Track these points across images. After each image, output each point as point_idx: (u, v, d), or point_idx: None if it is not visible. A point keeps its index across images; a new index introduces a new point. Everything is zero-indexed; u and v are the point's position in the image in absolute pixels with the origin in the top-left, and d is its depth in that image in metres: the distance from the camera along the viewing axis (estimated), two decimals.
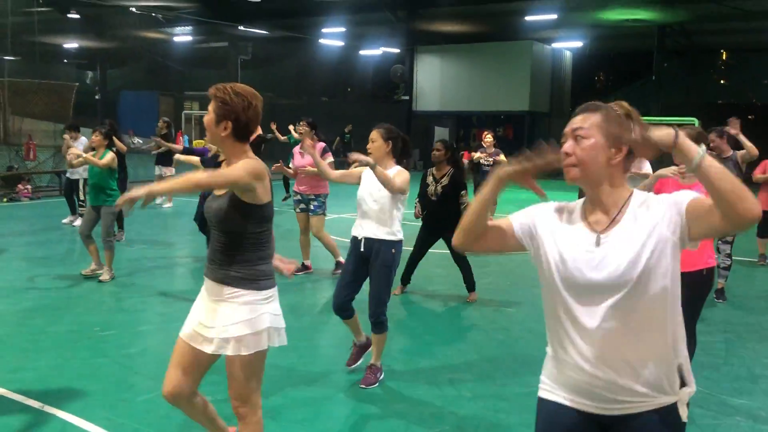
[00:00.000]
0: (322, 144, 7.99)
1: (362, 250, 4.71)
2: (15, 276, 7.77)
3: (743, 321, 6.75)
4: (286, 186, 14.59)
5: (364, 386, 4.72)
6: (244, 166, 2.83)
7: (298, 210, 8.12)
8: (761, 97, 28.26)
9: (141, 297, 7.07)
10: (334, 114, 26.47)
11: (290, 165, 8.18)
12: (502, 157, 12.64)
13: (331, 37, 28.92)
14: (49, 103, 17.28)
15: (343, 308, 4.81)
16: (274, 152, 14.74)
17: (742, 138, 7.89)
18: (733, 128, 7.99)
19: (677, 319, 2.01)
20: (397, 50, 29.27)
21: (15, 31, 20.69)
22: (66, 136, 10.30)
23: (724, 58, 30.11)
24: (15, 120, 18.55)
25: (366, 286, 4.83)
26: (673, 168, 4.42)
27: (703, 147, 1.81)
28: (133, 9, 24.29)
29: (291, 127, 12.17)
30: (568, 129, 2.04)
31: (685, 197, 1.92)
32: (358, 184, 4.85)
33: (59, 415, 4.11)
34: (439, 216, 7.01)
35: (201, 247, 9.22)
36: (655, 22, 24.01)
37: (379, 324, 4.72)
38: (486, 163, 12.48)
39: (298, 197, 8.08)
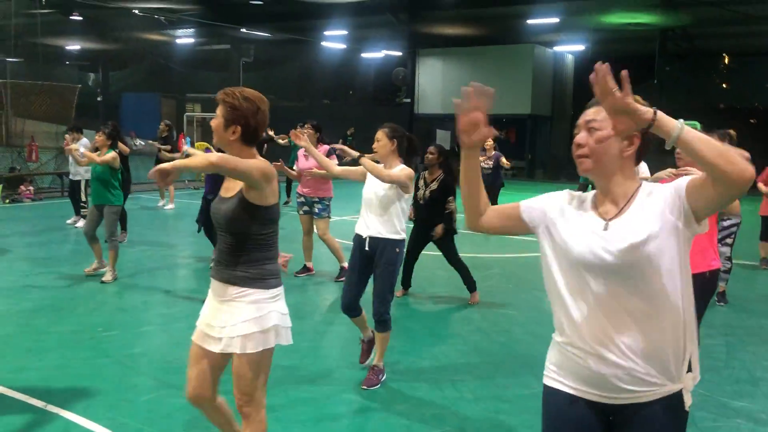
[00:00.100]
0: (326, 146, 8.02)
1: (367, 249, 4.74)
2: (18, 276, 7.79)
3: (744, 324, 6.76)
4: (288, 190, 14.61)
5: (366, 387, 4.73)
6: (256, 164, 2.87)
7: (301, 212, 8.13)
8: (763, 101, 28.29)
9: (143, 298, 7.09)
10: (336, 117, 26.48)
11: (294, 167, 8.20)
12: (504, 159, 12.73)
13: (333, 39, 28.97)
14: (52, 105, 17.32)
15: (351, 307, 4.86)
16: (275, 153, 14.76)
17: None
18: None
19: (689, 305, 2.01)
20: (399, 53, 29.32)
21: (18, 33, 20.73)
22: (67, 136, 10.32)
23: (725, 61, 30.11)
24: (17, 121, 18.59)
25: (370, 284, 4.87)
26: (670, 170, 4.44)
27: (681, 121, 1.82)
28: (136, 11, 24.34)
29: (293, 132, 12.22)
30: (581, 121, 2.06)
31: (683, 181, 1.95)
32: (362, 181, 4.89)
33: (62, 414, 4.13)
34: (427, 220, 7.05)
35: (202, 248, 9.25)
36: (657, 26, 24.03)
37: (382, 323, 4.74)
38: (486, 166, 12.56)
39: (302, 199, 8.08)
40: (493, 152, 12.63)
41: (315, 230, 8.11)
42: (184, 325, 6.16)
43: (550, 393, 2.16)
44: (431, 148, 7.19)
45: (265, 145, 8.36)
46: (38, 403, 4.27)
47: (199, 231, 8.63)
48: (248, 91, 2.98)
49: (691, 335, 2.02)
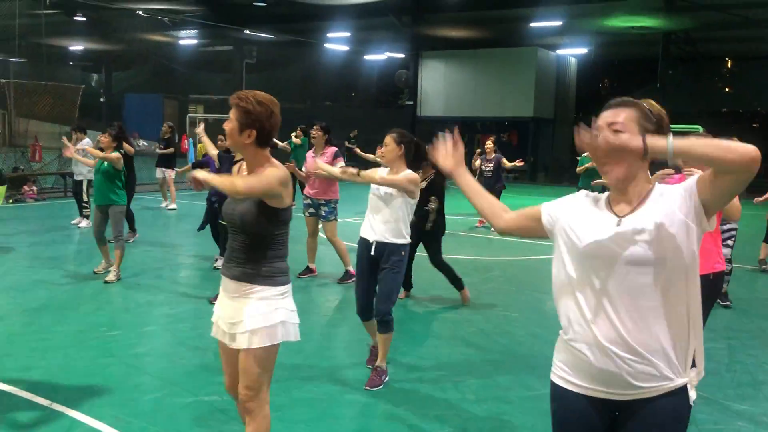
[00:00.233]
0: (334, 148, 8.02)
1: (373, 253, 4.79)
2: (21, 276, 7.82)
3: (746, 327, 6.77)
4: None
5: (368, 388, 4.75)
6: (274, 175, 2.93)
7: (307, 214, 8.13)
8: (765, 105, 28.29)
9: (147, 297, 7.11)
10: (338, 119, 26.51)
11: (303, 168, 8.22)
12: (505, 161, 12.79)
13: (336, 41, 29.02)
14: (55, 105, 17.38)
15: (367, 309, 4.91)
16: (276, 156, 14.79)
17: None
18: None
19: (695, 301, 2.06)
20: (401, 55, 29.36)
21: (22, 33, 20.80)
22: (64, 138, 10.37)
23: (728, 65, 30.15)
24: (21, 121, 18.66)
25: None
26: (659, 172, 4.50)
27: (669, 135, 1.90)
28: (140, 12, 24.39)
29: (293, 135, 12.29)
30: (602, 122, 2.09)
31: (691, 180, 2.01)
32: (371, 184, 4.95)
33: (67, 412, 4.15)
34: (416, 220, 7.06)
35: (206, 248, 9.28)
36: (660, 30, 24.07)
37: (385, 323, 4.77)
38: (486, 168, 12.62)
39: (308, 201, 8.08)
40: (494, 155, 12.66)
41: (322, 233, 8.12)
42: (187, 325, 6.19)
43: (557, 390, 2.20)
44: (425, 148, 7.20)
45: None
46: (43, 402, 4.29)
47: (199, 230, 8.67)
48: (261, 94, 3.02)
49: (695, 331, 2.07)
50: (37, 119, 18.51)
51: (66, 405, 4.25)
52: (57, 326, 5.99)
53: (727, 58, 30.22)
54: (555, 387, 2.21)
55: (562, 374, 2.18)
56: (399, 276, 4.81)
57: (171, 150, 13.99)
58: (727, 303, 7.43)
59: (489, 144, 12.77)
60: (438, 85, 28.63)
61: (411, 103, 28.94)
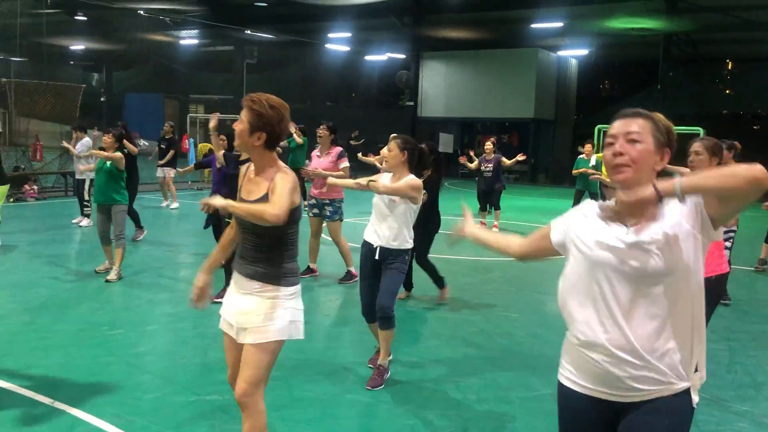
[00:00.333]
0: (339, 148, 8.01)
1: (377, 257, 4.83)
2: (22, 275, 7.83)
3: (746, 329, 6.78)
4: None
5: (370, 387, 4.76)
6: (288, 187, 2.96)
7: (311, 214, 8.12)
8: (766, 107, 28.30)
9: (148, 296, 7.12)
10: (339, 119, 26.41)
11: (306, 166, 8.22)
12: (504, 159, 12.85)
13: (337, 42, 29.03)
14: (56, 105, 17.37)
15: (371, 311, 4.92)
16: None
17: None
18: None
19: (700, 308, 2.10)
20: (402, 56, 29.36)
21: (23, 33, 20.80)
22: (65, 144, 10.39)
23: (729, 67, 30.16)
24: (21, 121, 18.65)
25: None
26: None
27: (676, 176, 1.96)
28: (141, 12, 24.41)
29: (293, 129, 12.26)
30: (617, 131, 2.12)
31: None
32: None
33: (69, 411, 4.16)
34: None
35: (207, 247, 9.25)
36: (661, 31, 24.08)
37: (386, 319, 4.79)
38: (486, 169, 12.65)
39: (312, 201, 8.06)
40: (493, 155, 12.68)
41: (324, 232, 8.12)
42: (188, 324, 6.20)
43: (564, 390, 2.25)
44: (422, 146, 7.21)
45: None
46: (45, 400, 4.30)
47: (205, 228, 8.67)
48: (273, 98, 3.07)
49: (699, 337, 2.11)
50: (38, 118, 18.49)
51: (68, 403, 4.25)
52: (58, 325, 5.99)
53: (727, 60, 30.24)
54: (561, 387, 2.26)
55: (568, 375, 2.23)
56: (401, 277, 4.85)
57: (171, 154, 14.00)
58: (726, 302, 7.45)
59: (489, 145, 12.79)
60: (439, 85, 28.64)
61: (411, 103, 28.95)
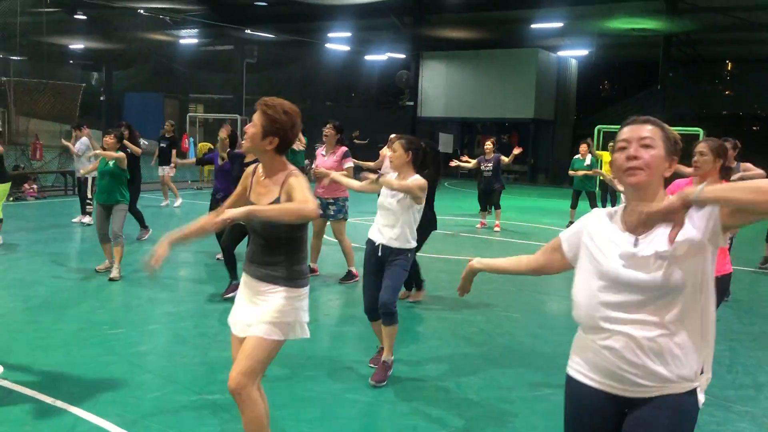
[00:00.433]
0: (344, 147, 8.01)
1: (380, 255, 4.87)
2: (23, 274, 7.82)
3: (747, 329, 6.79)
4: None
5: (374, 382, 4.80)
6: (305, 186, 3.06)
7: None
8: (766, 108, 28.32)
9: (149, 296, 7.12)
10: (339, 119, 26.32)
11: (313, 166, 8.21)
12: (503, 157, 12.92)
13: (337, 41, 29.02)
14: (56, 104, 17.36)
15: (373, 309, 4.94)
16: None
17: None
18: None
19: (710, 310, 2.15)
20: (402, 56, 29.35)
21: (23, 31, 20.77)
22: (65, 142, 10.41)
23: (729, 68, 30.19)
24: (21, 120, 18.63)
25: None
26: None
27: (702, 185, 1.95)
28: (141, 11, 24.40)
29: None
30: (629, 136, 2.16)
31: None
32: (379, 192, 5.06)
33: (71, 410, 4.16)
34: None
35: (208, 246, 9.28)
36: (661, 32, 24.10)
37: (389, 315, 4.81)
38: (486, 168, 12.71)
39: (317, 200, 8.03)
40: (493, 154, 12.73)
41: (327, 232, 8.10)
42: (189, 323, 6.20)
43: (572, 383, 2.30)
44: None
45: None
46: (47, 399, 4.29)
47: None
48: (287, 104, 3.13)
49: (708, 339, 2.17)
50: (37, 118, 18.47)
51: (69, 402, 4.25)
52: (58, 324, 5.99)
53: (727, 61, 30.26)
54: (570, 380, 2.31)
55: (578, 368, 2.27)
56: (404, 272, 4.90)
57: (175, 153, 14.01)
58: (726, 299, 7.46)
59: (488, 144, 12.87)
60: (439, 85, 28.63)
61: (411, 103, 28.95)
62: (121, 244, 7.73)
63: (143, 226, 10.39)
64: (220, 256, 8.79)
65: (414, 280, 7.28)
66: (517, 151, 13.04)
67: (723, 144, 4.47)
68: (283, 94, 3.40)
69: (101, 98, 36.29)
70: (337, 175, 5.59)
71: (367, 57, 31.51)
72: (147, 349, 5.48)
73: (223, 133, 8.02)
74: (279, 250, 3.13)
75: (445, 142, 26.84)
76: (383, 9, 24.69)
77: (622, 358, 2.10)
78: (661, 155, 2.13)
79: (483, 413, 4.46)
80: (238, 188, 3.37)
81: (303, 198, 2.98)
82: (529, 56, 26.90)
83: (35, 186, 15.48)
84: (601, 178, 11.77)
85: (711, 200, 1.92)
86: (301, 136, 13.39)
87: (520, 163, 26.01)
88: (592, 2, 21.99)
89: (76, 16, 27.07)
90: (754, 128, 29.39)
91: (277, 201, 3.07)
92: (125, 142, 8.70)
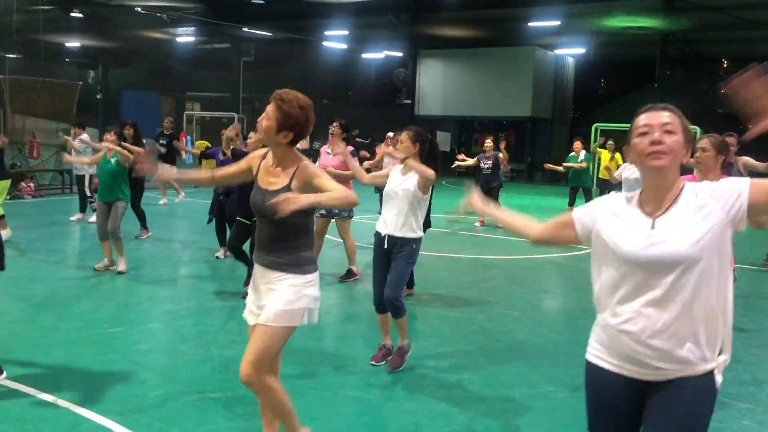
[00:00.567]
0: (350, 147, 7.99)
1: (386, 246, 4.92)
2: (22, 273, 7.80)
3: (747, 327, 6.79)
4: None
5: (392, 369, 4.97)
6: (331, 180, 3.13)
7: (318, 214, 8.03)
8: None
9: (149, 294, 7.11)
10: (336, 117, 26.45)
11: (316, 164, 8.17)
12: (501, 155, 13.06)
13: (334, 39, 29.00)
14: (53, 102, 17.33)
15: (383, 302, 4.97)
16: None
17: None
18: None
19: (726, 293, 2.16)
20: (399, 54, 29.34)
21: (19, 29, 20.71)
22: (65, 136, 10.40)
23: (725, 67, 30.23)
24: (18, 118, 18.58)
25: None
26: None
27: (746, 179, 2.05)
28: (138, 9, 24.35)
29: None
30: (651, 121, 2.18)
31: (744, 182, 2.10)
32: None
33: (72, 408, 4.15)
34: None
35: (208, 244, 9.28)
36: (658, 30, 24.12)
37: (396, 309, 4.89)
38: (485, 166, 12.78)
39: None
40: (492, 152, 12.82)
41: (332, 230, 8.09)
42: (190, 322, 6.19)
43: (592, 369, 2.33)
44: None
45: None
46: (48, 398, 4.29)
47: (209, 222, 8.66)
48: (302, 98, 3.15)
49: (726, 320, 2.17)
50: (34, 116, 18.42)
51: (71, 401, 4.24)
52: (59, 323, 5.98)
53: (724, 60, 30.29)
54: (589, 365, 2.34)
55: (597, 353, 2.30)
56: (409, 266, 4.96)
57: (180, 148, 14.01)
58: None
59: (488, 142, 13.02)
60: (436, 84, 28.62)
61: (409, 101, 28.94)
62: (119, 238, 7.74)
63: (144, 226, 10.37)
64: (219, 254, 8.81)
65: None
66: (502, 144, 13.13)
67: (724, 140, 4.49)
68: None
69: (98, 96, 36.19)
70: (352, 162, 5.63)
71: (365, 55, 31.48)
72: (148, 347, 5.48)
73: (232, 132, 8.00)
74: (286, 237, 3.16)
75: (443, 141, 26.80)
76: (380, 7, 24.67)
77: (639, 341, 2.12)
78: (681, 141, 2.17)
79: (484, 410, 4.46)
80: (242, 163, 3.40)
81: (331, 184, 3.07)
82: (527, 54, 26.90)
83: (32, 184, 15.44)
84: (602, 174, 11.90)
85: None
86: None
87: (517, 161, 26.04)
88: (589, 0, 22.01)
89: (72, 14, 27.00)
90: (750, 127, 29.45)
91: (286, 188, 3.10)
92: (124, 143, 8.68)
